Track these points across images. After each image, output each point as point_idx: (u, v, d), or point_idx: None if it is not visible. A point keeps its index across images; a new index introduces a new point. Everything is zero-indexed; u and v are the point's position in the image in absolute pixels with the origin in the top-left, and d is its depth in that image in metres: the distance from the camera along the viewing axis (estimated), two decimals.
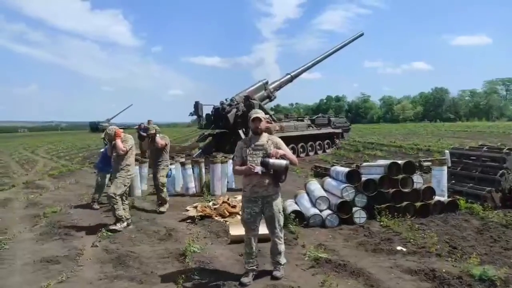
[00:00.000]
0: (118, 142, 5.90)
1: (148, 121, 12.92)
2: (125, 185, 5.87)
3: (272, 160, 3.60)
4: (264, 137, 3.82)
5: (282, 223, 3.89)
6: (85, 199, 8.02)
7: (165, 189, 7.04)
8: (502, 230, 5.22)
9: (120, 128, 6.45)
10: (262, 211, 3.79)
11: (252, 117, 3.81)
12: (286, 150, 3.80)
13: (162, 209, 6.89)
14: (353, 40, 19.34)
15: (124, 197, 6.01)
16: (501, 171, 6.66)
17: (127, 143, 5.99)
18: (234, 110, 13.53)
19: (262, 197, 3.74)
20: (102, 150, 7.94)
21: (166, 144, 7.11)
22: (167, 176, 7.29)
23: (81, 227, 5.96)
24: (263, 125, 3.80)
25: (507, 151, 6.99)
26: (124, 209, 5.89)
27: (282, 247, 3.89)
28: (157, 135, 7.02)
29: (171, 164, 8.77)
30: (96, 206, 7.37)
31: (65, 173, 13.08)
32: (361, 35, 19.85)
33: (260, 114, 3.83)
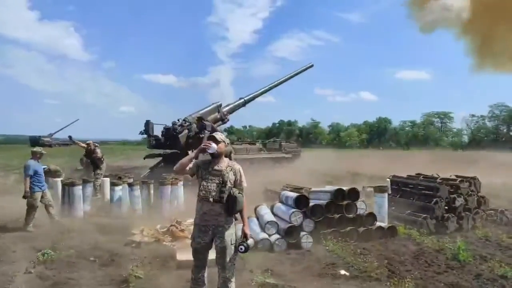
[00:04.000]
0: None
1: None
2: None
3: (250, 241, 3.50)
4: (224, 162, 3.57)
5: (234, 258, 3.53)
6: (20, 221, 7.44)
7: None
8: (435, 255, 5.63)
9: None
10: (213, 242, 3.49)
11: (208, 136, 3.63)
12: (243, 180, 3.59)
13: None
14: (303, 70, 20.28)
15: None
16: (434, 199, 7.21)
17: None
18: (186, 131, 13.42)
19: (213, 226, 3.44)
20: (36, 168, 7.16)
21: None
22: None
23: (13, 252, 5.51)
24: (221, 147, 3.51)
25: (440, 181, 7.62)
26: None
27: (232, 286, 3.55)
28: None
29: (118, 184, 8.47)
30: (30, 228, 6.87)
31: None
32: (311, 66, 20.86)
33: (218, 135, 3.59)
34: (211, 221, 3.43)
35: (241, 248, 3.42)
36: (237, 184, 3.54)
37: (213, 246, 3.53)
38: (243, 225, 3.56)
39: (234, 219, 3.54)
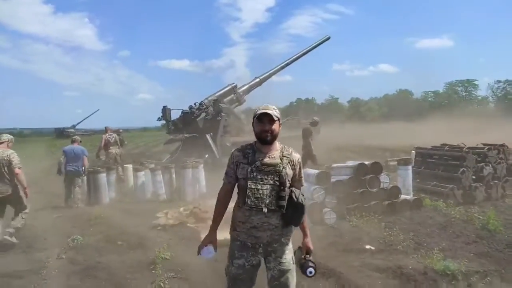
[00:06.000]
0: None
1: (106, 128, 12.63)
2: None
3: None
4: (277, 150, 2.44)
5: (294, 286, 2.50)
6: (50, 209, 7.70)
7: None
8: (463, 225, 5.49)
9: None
10: (264, 264, 2.49)
11: (258, 113, 2.37)
12: (302, 175, 2.57)
13: None
14: (320, 43, 19.68)
15: None
16: (461, 169, 6.99)
17: None
18: (203, 114, 13.46)
19: (265, 244, 2.41)
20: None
21: None
22: None
23: (44, 239, 5.71)
24: (276, 128, 2.40)
25: (467, 150, 7.36)
26: None
27: None
28: None
29: (140, 170, 8.61)
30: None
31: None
32: (328, 38, 20.23)
33: (272, 110, 2.38)
34: (264, 237, 2.39)
35: (310, 272, 2.41)
36: (295, 181, 2.48)
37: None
38: (304, 236, 2.55)
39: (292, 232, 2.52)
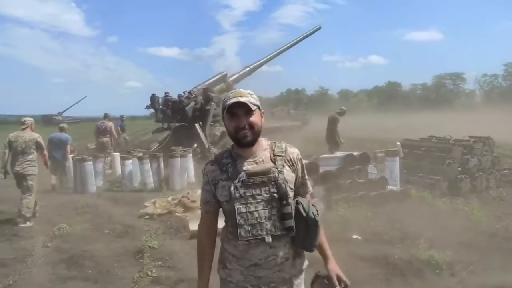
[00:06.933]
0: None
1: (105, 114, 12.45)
2: None
3: None
4: (265, 149, 1.71)
5: None
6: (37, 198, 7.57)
7: None
8: (448, 216, 5.58)
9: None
10: None
11: (227, 105, 1.60)
12: (307, 176, 1.83)
13: None
14: (310, 34, 19.60)
15: None
16: (447, 161, 7.09)
17: None
18: (192, 103, 13.33)
19: (272, 285, 1.66)
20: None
21: None
22: None
23: (31, 227, 5.64)
24: (257, 120, 1.64)
25: (453, 142, 7.47)
26: None
27: None
28: None
29: (128, 158, 8.52)
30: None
31: None
32: (319, 29, 20.16)
33: (247, 96, 1.61)
34: (269, 276, 1.65)
35: None
36: (298, 187, 1.75)
37: None
38: (328, 261, 1.80)
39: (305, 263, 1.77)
